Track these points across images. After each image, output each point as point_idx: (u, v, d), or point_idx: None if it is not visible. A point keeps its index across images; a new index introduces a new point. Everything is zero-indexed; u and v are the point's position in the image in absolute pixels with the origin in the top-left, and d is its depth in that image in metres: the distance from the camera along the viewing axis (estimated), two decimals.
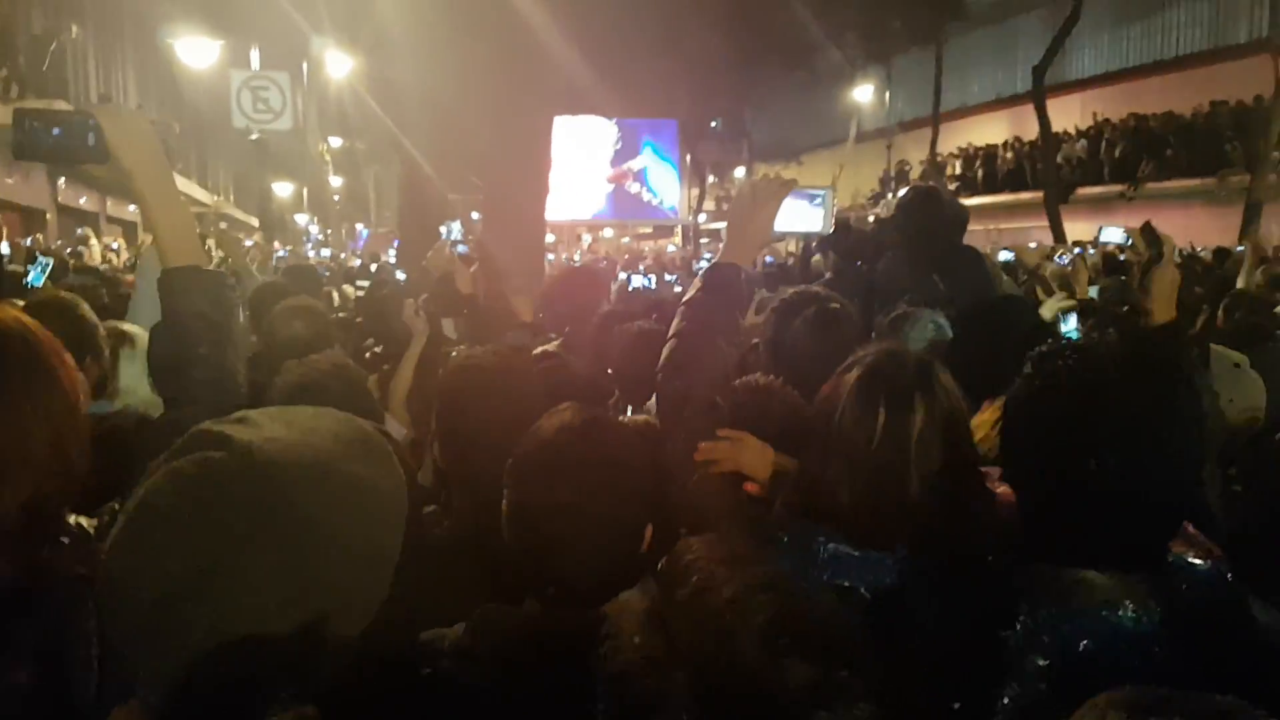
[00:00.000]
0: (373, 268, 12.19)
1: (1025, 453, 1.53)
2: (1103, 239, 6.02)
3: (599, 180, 29.17)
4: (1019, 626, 1.40)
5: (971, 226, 4.70)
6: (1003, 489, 1.84)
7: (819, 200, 24.94)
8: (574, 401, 1.80)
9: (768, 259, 13.53)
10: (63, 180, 21.15)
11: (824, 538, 1.71)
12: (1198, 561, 1.51)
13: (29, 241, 11.77)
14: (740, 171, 35.37)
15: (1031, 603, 1.42)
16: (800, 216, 23.52)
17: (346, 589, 1.06)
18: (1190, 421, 1.48)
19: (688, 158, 32.38)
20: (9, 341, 1.42)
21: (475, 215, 10.66)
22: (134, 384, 3.21)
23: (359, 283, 9.44)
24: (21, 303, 3.51)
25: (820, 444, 1.73)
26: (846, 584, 1.67)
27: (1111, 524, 1.41)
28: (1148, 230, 2.94)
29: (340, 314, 6.16)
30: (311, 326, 3.65)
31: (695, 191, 32.65)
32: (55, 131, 1.82)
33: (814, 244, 6.52)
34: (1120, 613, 1.37)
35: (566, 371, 3.21)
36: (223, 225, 22.59)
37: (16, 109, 1.87)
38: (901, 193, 4.76)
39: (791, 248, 18.44)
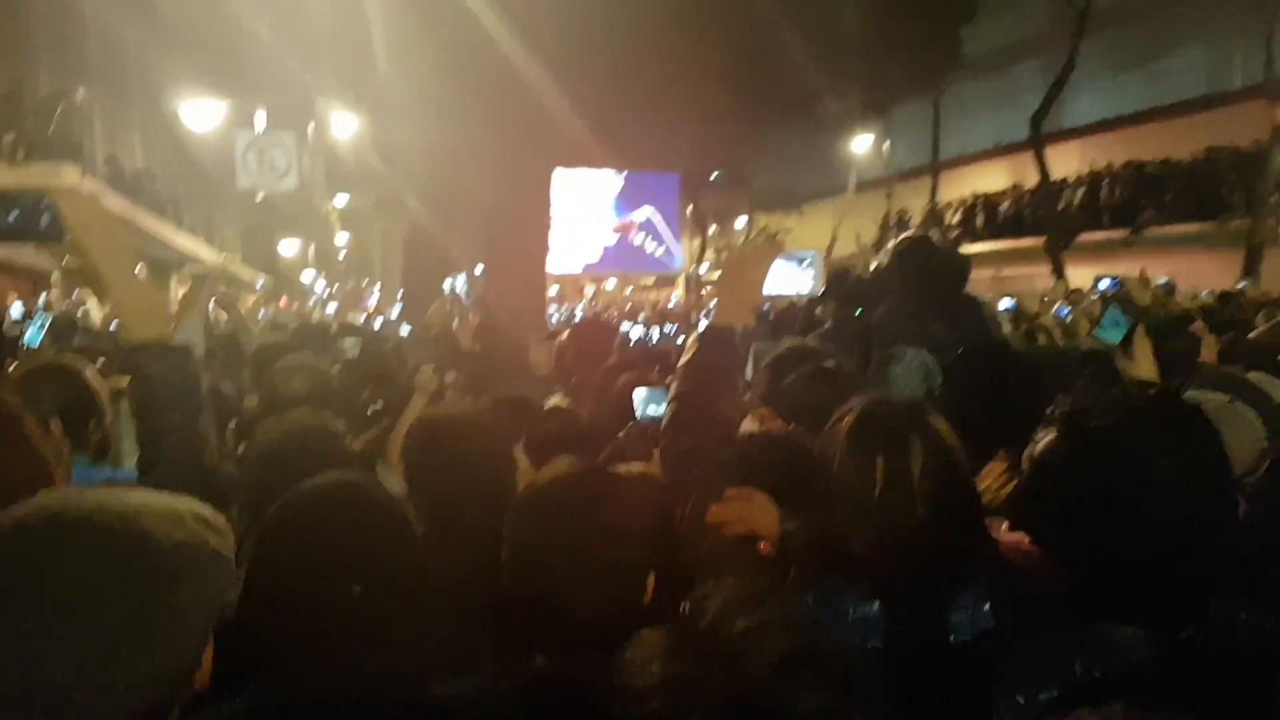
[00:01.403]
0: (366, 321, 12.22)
1: (1061, 511, 1.54)
2: (1100, 288, 6.04)
3: (603, 232, 29.36)
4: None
5: (975, 273, 4.73)
6: (1011, 537, 1.83)
7: (808, 262, 25.23)
8: (570, 454, 1.81)
9: (765, 307, 13.60)
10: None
11: (850, 598, 1.72)
12: (1242, 614, 1.49)
13: (41, 301, 11.88)
14: (742, 221, 35.59)
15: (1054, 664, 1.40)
16: (790, 279, 23.74)
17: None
18: (1219, 467, 1.49)
19: (689, 208, 32.60)
20: None
21: (479, 269, 10.70)
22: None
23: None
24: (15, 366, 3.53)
25: (825, 497, 1.75)
26: (878, 645, 1.67)
27: (1151, 576, 1.41)
28: (1117, 301, 3.02)
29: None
30: (310, 384, 3.66)
31: (697, 241, 32.83)
32: (12, 212, 1.87)
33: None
34: (1137, 668, 1.35)
35: (569, 424, 3.21)
36: (221, 288, 22.71)
37: (23, 190, 1.93)
38: (895, 242, 4.80)
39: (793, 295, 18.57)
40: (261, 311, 10.40)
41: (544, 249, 7.55)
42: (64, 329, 6.88)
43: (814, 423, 1.93)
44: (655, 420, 3.70)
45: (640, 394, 3.61)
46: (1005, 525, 1.89)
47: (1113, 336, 2.97)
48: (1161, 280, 10.15)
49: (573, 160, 20.63)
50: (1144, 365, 2.92)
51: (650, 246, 30.06)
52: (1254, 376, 3.77)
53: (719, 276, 2.42)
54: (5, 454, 1.51)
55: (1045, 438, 1.54)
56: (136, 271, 1.94)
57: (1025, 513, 1.65)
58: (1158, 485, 1.39)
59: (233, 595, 1.26)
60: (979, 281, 4.49)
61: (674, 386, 2.31)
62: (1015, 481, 1.75)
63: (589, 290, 34.59)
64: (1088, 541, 1.47)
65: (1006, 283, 21.13)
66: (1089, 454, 1.47)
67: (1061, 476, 1.53)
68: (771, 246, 2.38)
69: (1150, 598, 1.40)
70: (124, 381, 3.66)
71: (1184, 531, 1.39)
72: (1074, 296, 9.87)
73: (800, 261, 26.13)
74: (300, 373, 3.72)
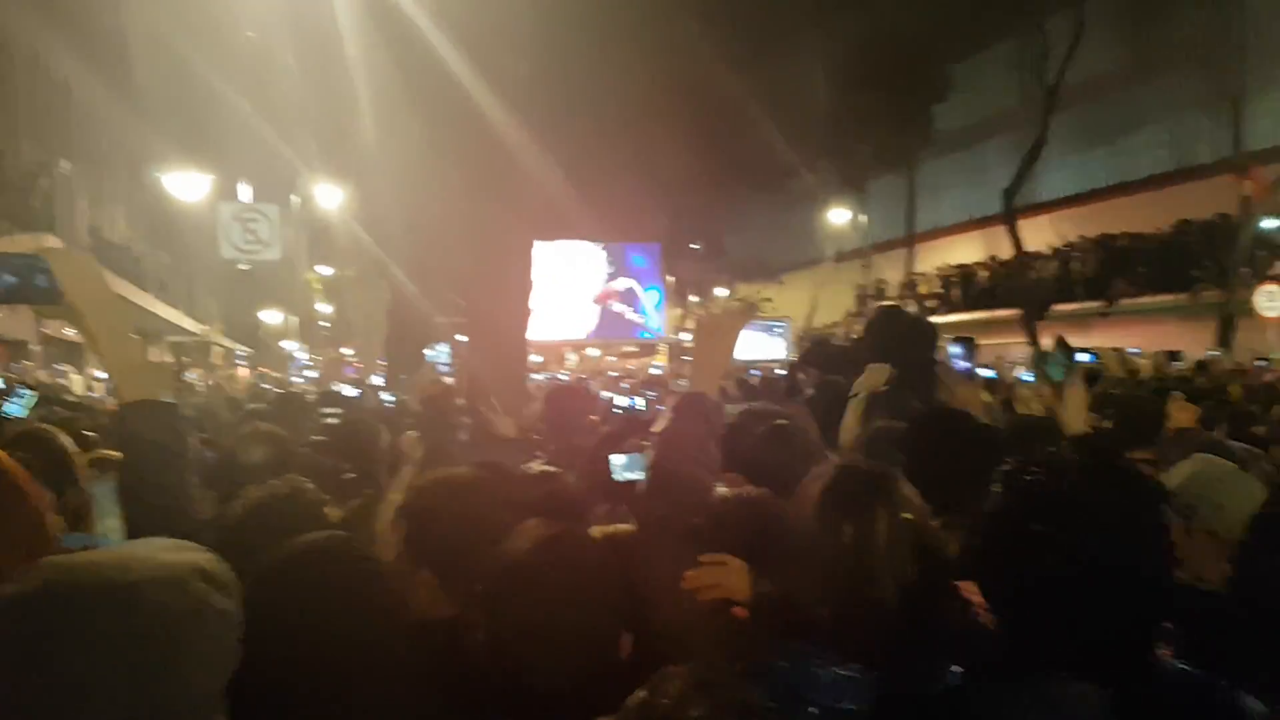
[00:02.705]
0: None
1: (1003, 566, 1.56)
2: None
3: (585, 301, 29.55)
4: None
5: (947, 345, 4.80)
6: (979, 598, 1.85)
7: (779, 330, 25.44)
8: (541, 517, 1.82)
9: (753, 372, 13.69)
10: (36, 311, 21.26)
11: (821, 661, 1.72)
12: (1186, 666, 1.51)
13: (17, 369, 11.82)
14: (722, 291, 35.88)
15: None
16: (761, 345, 23.91)
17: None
18: (1155, 522, 1.52)
19: (670, 278, 32.90)
20: None
21: (461, 337, 10.74)
22: (115, 515, 3.19)
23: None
24: None
25: (794, 564, 1.75)
26: (850, 706, 1.67)
27: (1092, 629, 1.43)
28: (1061, 344, 3.07)
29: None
30: (271, 453, 3.62)
31: (678, 311, 33.08)
32: (8, 276, 1.88)
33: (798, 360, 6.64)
34: None
35: (558, 489, 3.22)
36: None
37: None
38: (869, 312, 4.89)
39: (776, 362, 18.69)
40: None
41: (525, 318, 7.61)
42: (50, 401, 6.86)
43: (772, 481, 1.94)
44: (631, 483, 3.72)
45: (617, 459, 3.63)
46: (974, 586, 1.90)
47: (1055, 374, 3.02)
48: (1134, 350, 10.30)
49: (553, 232, 20.86)
50: (1074, 408, 2.95)
51: (631, 315, 30.28)
52: (1237, 447, 3.85)
53: (692, 341, 2.44)
54: (3, 509, 1.50)
55: (990, 495, 1.57)
56: (129, 332, 1.96)
57: (972, 568, 1.67)
58: (1092, 537, 1.43)
59: (237, 653, 1.23)
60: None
61: (648, 455, 2.33)
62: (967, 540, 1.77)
63: (571, 358, 34.65)
64: (1026, 593, 1.49)
65: (983, 353, 21.31)
66: (1022, 508, 1.50)
67: (996, 530, 1.56)
68: (742, 313, 2.42)
69: (1093, 652, 1.42)
70: (102, 452, 3.65)
71: (1120, 583, 1.41)
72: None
73: (771, 330, 26.45)
74: (261, 440, 3.68)
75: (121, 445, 1.91)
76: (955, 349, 3.60)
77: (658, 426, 2.35)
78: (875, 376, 4.64)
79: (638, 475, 3.89)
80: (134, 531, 1.87)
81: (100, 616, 1.09)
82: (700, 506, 2.23)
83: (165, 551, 1.22)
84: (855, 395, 4.41)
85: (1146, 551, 1.46)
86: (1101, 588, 1.40)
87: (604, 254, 29.52)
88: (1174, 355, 9.26)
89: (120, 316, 1.94)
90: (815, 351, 5.49)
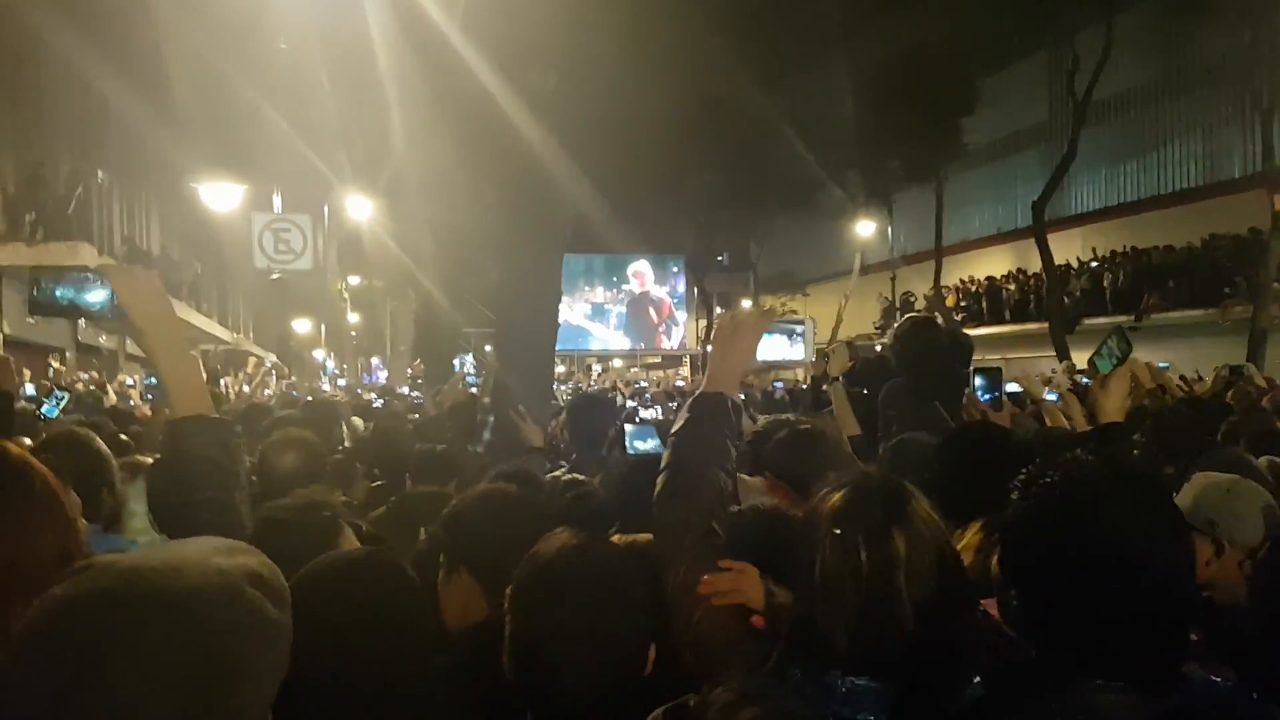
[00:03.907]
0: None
1: (1026, 574, 1.56)
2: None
3: (611, 313, 29.63)
4: None
5: (980, 356, 4.80)
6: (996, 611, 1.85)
7: (799, 334, 25.35)
8: (570, 526, 1.84)
9: (777, 384, 13.67)
10: (83, 320, 21.57)
11: (836, 671, 1.71)
12: (1217, 679, 1.50)
13: (50, 374, 12.00)
14: (747, 304, 35.87)
15: None
16: (781, 348, 23.85)
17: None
18: (1175, 529, 1.51)
19: (695, 290, 32.94)
20: (17, 470, 1.50)
21: (488, 348, 10.82)
22: (144, 519, 3.25)
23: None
24: (29, 440, 3.59)
25: (808, 588, 1.73)
26: (869, 718, 1.66)
27: (1117, 637, 1.43)
28: (1120, 335, 3.01)
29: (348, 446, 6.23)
30: (302, 459, 3.63)
31: (704, 323, 33.09)
32: (70, 291, 1.93)
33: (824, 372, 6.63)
34: None
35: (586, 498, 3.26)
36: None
37: (34, 269, 1.99)
38: (900, 323, 4.88)
39: (801, 375, 18.63)
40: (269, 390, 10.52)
41: (552, 329, 7.65)
42: (85, 406, 6.99)
43: (796, 484, 1.93)
44: (644, 455, 3.78)
45: (630, 429, 3.68)
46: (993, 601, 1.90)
47: (1104, 366, 2.97)
48: (1163, 365, 10.19)
49: (584, 244, 20.95)
50: (1113, 397, 2.91)
51: (657, 327, 30.34)
52: (1262, 462, 3.82)
53: (712, 342, 2.44)
54: (32, 513, 1.52)
55: (1013, 504, 1.57)
56: (187, 350, 1.99)
57: (1000, 578, 1.66)
58: (1112, 543, 1.43)
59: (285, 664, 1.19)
60: (985, 365, 4.57)
61: (665, 455, 2.31)
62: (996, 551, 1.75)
63: (596, 369, 34.72)
64: (1052, 602, 1.49)
65: (1013, 365, 21.17)
66: (1041, 515, 1.50)
67: (1018, 538, 1.56)
68: (763, 316, 2.40)
69: (1123, 661, 1.42)
70: (136, 456, 3.72)
71: (1145, 591, 1.41)
72: (1076, 379, 9.91)
73: (791, 333, 26.41)
74: (292, 447, 3.69)
75: (173, 461, 1.94)
76: (980, 381, 3.57)
77: (676, 425, 2.33)
78: (841, 359, 4.64)
79: (652, 445, 3.95)
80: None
81: (153, 625, 1.06)
82: (716, 512, 2.21)
83: (217, 554, 1.19)
84: (835, 380, 4.39)
85: (1174, 557, 1.45)
86: (1129, 595, 1.40)
87: (630, 265, 29.65)
88: (1236, 370, 9.01)
89: (178, 333, 1.98)
90: (865, 371, 5.48)
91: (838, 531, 1.65)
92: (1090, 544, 1.44)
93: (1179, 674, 1.46)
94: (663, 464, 2.29)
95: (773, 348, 24.10)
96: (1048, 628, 1.51)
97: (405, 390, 13.94)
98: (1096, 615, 1.42)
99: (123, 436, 4.76)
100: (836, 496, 1.71)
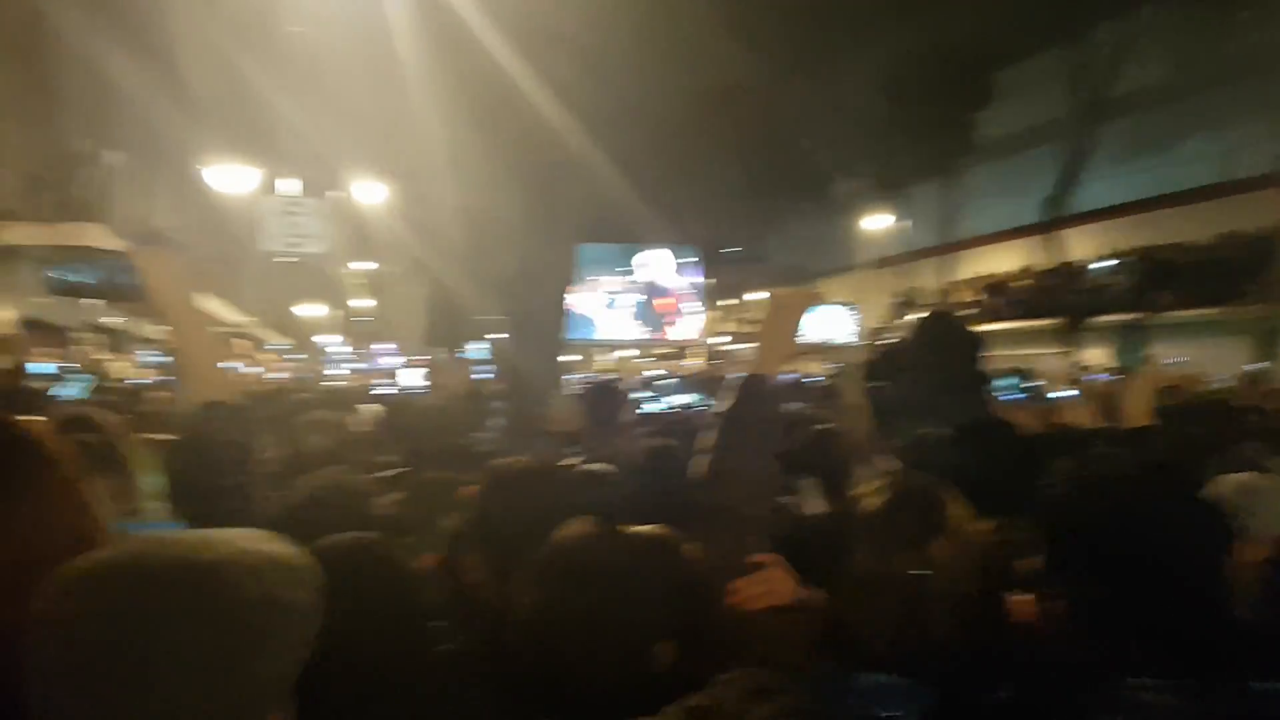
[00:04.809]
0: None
1: (1070, 570, 1.55)
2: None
3: (623, 302, 29.60)
4: None
5: (992, 352, 4.76)
6: (1024, 606, 1.83)
7: (852, 309, 25.15)
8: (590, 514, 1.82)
9: (792, 375, 13.62)
10: (98, 301, 21.60)
11: (870, 671, 1.69)
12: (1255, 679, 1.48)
13: (66, 354, 12.04)
14: (759, 296, 35.79)
15: None
16: (836, 325, 23.70)
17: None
18: (1221, 529, 1.49)
19: (707, 280, 32.87)
20: (36, 449, 1.50)
21: (500, 335, 10.84)
22: (159, 499, 3.24)
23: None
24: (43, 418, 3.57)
25: (843, 587, 1.71)
26: (893, 714, 1.65)
27: (1163, 629, 1.41)
28: (1138, 334, 3.00)
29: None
30: (332, 440, 3.69)
31: (715, 314, 33.02)
32: (95, 273, 1.93)
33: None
34: None
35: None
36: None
37: (49, 249, 1.98)
38: (913, 317, 4.85)
39: (814, 368, 18.60)
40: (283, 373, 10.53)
41: (562, 318, 7.65)
42: (102, 387, 7.01)
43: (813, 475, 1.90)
44: (655, 414, 3.77)
45: (644, 395, 3.64)
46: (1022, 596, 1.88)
47: (1127, 364, 2.96)
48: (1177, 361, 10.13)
49: (595, 232, 20.91)
50: (1138, 399, 2.88)
51: (668, 317, 30.29)
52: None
53: (761, 324, 2.38)
54: (52, 494, 1.50)
55: (1053, 498, 1.55)
56: (209, 335, 1.99)
57: (1042, 573, 1.64)
58: (1161, 541, 1.41)
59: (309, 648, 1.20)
60: (995, 361, 4.53)
61: (710, 436, 2.27)
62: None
63: (610, 358, 34.69)
64: (1095, 597, 1.48)
65: (1024, 362, 21.08)
66: (1093, 510, 1.48)
67: (1067, 534, 1.54)
68: (808, 298, 2.35)
69: (1167, 658, 1.41)
70: (151, 435, 3.72)
71: (1191, 589, 1.40)
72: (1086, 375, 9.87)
73: (848, 309, 26.29)
74: (322, 428, 3.74)
75: (196, 446, 1.94)
76: (1004, 382, 3.52)
77: (719, 407, 2.29)
78: (857, 354, 4.59)
79: (670, 403, 3.96)
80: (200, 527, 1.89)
81: (178, 595, 1.07)
82: (759, 492, 2.18)
83: (245, 540, 1.21)
84: (849, 374, 4.34)
85: (1219, 557, 1.44)
86: (1175, 593, 1.39)
87: (641, 255, 29.60)
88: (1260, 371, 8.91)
89: (201, 317, 1.98)
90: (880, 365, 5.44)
91: (875, 535, 1.64)
92: (1139, 541, 1.42)
93: (1226, 674, 1.44)
94: (706, 444, 2.25)
95: (828, 325, 23.92)
96: (1092, 624, 1.49)
97: (411, 376, 13.89)
98: (1142, 613, 1.41)
99: (132, 416, 4.76)
100: (876, 501, 1.69)
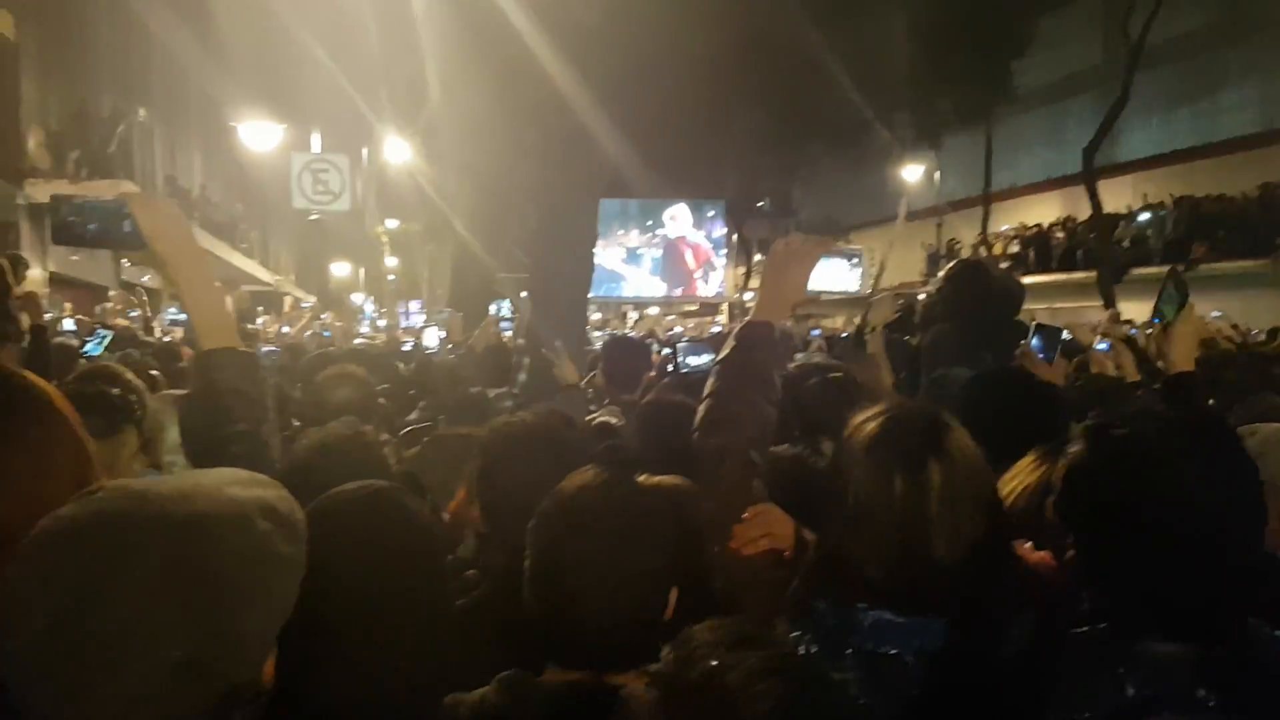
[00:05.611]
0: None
1: (1088, 521, 1.51)
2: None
3: (647, 259, 29.48)
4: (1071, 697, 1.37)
5: (1027, 305, 4.66)
6: (1038, 555, 1.79)
7: (856, 261, 24.80)
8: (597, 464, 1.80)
9: (814, 331, 13.53)
10: (126, 260, 21.82)
11: (865, 604, 1.67)
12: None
13: (99, 311, 12.16)
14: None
15: (1086, 677, 1.38)
16: (838, 276, 23.38)
17: (225, 628, 1.08)
18: (1247, 478, 1.44)
19: (734, 236, 32.65)
20: (34, 397, 1.47)
21: (524, 294, 10.83)
22: (179, 453, 3.26)
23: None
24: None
25: (841, 519, 1.68)
26: (892, 651, 1.62)
27: (1181, 588, 1.38)
28: (1176, 280, 2.90)
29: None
30: (355, 394, 3.67)
31: (742, 270, 32.82)
32: (93, 220, 1.89)
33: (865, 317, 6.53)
34: (1188, 688, 1.32)
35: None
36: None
37: (53, 196, 1.95)
38: (948, 266, 4.73)
39: (840, 323, 18.45)
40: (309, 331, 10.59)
41: (588, 275, 7.60)
42: (125, 343, 7.07)
43: (827, 432, 1.88)
44: (696, 370, 3.79)
45: (683, 346, 3.70)
46: (1029, 544, 1.84)
47: (1169, 313, 2.86)
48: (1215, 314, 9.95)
49: (620, 188, 20.78)
50: (1181, 346, 2.80)
51: (694, 273, 30.14)
52: None
53: (764, 269, 2.33)
54: (51, 442, 1.48)
55: (1074, 449, 1.50)
56: (211, 280, 1.96)
57: (1056, 524, 1.60)
58: (1183, 493, 1.37)
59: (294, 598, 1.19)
60: (1031, 314, 4.42)
61: (709, 383, 2.25)
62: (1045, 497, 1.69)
63: (632, 316, 34.65)
64: (1114, 551, 1.44)
65: (1057, 315, 20.83)
66: (1115, 461, 1.44)
67: (1084, 486, 1.49)
68: (818, 244, 2.30)
69: (1185, 614, 1.37)
70: (169, 391, 3.72)
71: (1213, 544, 1.36)
72: (1125, 329, 9.71)
73: (850, 258, 26.00)
74: (345, 382, 3.71)
75: (200, 393, 1.91)
76: (1036, 341, 3.44)
77: (722, 352, 2.26)
78: (884, 310, 4.53)
79: (705, 360, 3.96)
80: None
81: (154, 549, 1.05)
82: (759, 438, 2.16)
83: (233, 485, 1.18)
84: (875, 330, 4.27)
85: (1246, 512, 1.39)
86: (1193, 548, 1.34)
87: (667, 210, 29.39)
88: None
89: (202, 264, 1.95)
90: (909, 317, 5.36)
91: (872, 458, 1.61)
92: (1161, 493, 1.37)
93: (1241, 629, 1.40)
94: (705, 391, 2.22)
95: (830, 274, 23.72)
96: (1107, 577, 1.45)
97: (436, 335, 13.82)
98: (1160, 566, 1.36)
99: (154, 373, 4.78)
100: (872, 424, 1.66)
